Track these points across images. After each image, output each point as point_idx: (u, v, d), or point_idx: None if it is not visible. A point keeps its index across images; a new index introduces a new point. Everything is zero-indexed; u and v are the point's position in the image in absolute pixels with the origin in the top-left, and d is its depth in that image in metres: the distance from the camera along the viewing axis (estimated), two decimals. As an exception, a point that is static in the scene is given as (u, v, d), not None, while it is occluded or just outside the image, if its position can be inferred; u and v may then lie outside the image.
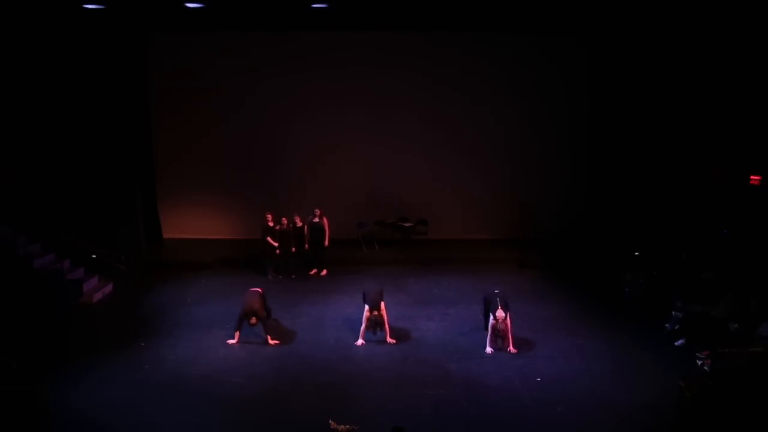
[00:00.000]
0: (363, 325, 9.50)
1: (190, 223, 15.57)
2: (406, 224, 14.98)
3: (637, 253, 12.63)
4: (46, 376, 8.08)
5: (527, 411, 7.62)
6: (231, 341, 9.50)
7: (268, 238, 12.76)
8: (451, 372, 8.63)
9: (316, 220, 13.08)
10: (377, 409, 7.53)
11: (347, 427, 6.90)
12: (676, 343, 9.48)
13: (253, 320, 9.53)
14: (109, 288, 12.11)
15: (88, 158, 13.84)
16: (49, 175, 13.45)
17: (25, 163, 13.20)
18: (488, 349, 9.28)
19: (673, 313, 9.83)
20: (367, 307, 9.47)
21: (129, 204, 13.76)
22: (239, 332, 9.51)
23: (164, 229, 15.54)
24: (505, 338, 9.29)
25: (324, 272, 13.27)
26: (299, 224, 13.02)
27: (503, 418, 7.47)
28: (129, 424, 7.27)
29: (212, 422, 7.33)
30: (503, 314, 9.16)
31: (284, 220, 12.85)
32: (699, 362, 8.74)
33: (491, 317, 9.25)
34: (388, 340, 9.60)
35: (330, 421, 7.03)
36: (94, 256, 12.69)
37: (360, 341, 9.52)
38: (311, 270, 13.29)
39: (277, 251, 12.79)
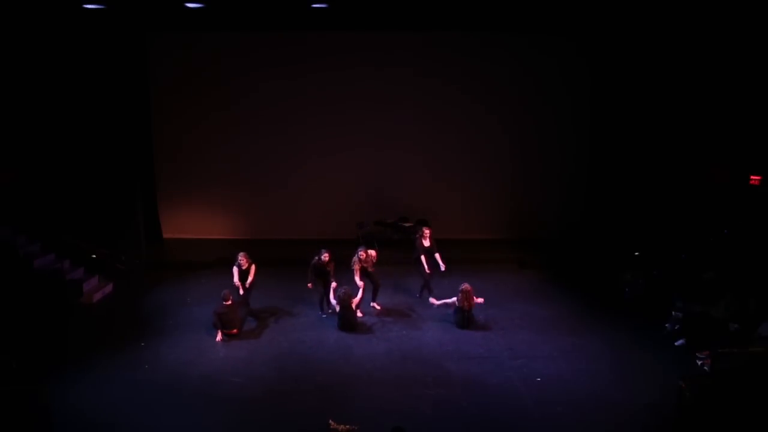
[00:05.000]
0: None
1: (190, 223, 15.56)
2: (406, 224, 14.96)
3: (637, 253, 12.64)
4: (46, 376, 8.08)
5: (527, 411, 7.62)
6: (218, 339, 9.65)
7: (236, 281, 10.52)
8: (451, 372, 8.63)
9: (427, 242, 11.19)
10: (377, 409, 7.53)
11: (347, 427, 6.90)
12: (676, 343, 9.48)
13: (234, 331, 9.77)
14: (109, 288, 12.11)
15: (88, 158, 13.86)
16: (49, 176, 13.45)
17: (25, 163, 13.20)
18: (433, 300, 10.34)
19: (673, 313, 9.83)
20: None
21: (129, 204, 13.75)
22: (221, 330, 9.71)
23: (164, 229, 15.53)
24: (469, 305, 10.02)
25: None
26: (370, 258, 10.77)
27: (503, 418, 7.47)
28: (129, 424, 7.28)
29: (212, 422, 7.33)
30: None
31: (326, 256, 10.58)
32: (699, 362, 8.75)
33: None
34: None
35: (330, 421, 7.03)
36: (94, 256, 12.68)
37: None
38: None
39: (309, 285, 10.72)
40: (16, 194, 12.68)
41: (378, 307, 11.01)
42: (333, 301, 10.25)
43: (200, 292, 11.95)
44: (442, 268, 10.77)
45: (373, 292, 11.02)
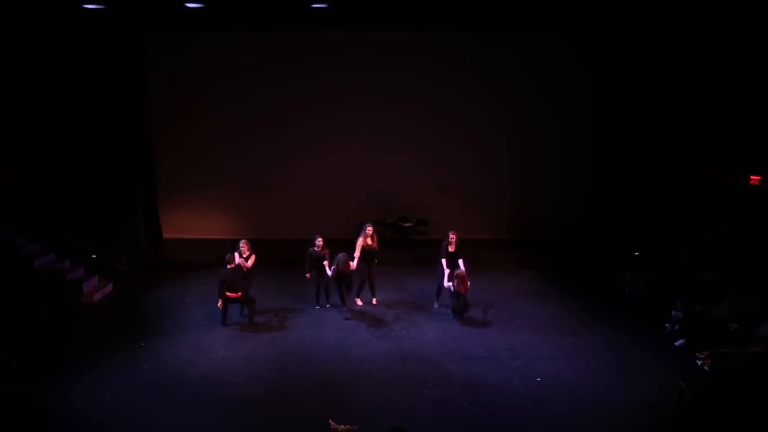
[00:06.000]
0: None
1: (190, 223, 15.57)
2: (406, 224, 14.97)
3: (637, 253, 12.64)
4: (46, 376, 8.08)
5: (527, 411, 7.61)
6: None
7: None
8: (451, 372, 8.63)
9: (452, 247, 10.85)
10: (377, 409, 7.53)
11: (347, 427, 6.89)
12: (676, 343, 9.48)
13: (239, 294, 10.02)
14: (109, 288, 12.10)
15: (89, 158, 13.86)
16: (49, 175, 13.45)
17: (25, 163, 13.20)
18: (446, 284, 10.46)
19: (673, 313, 9.82)
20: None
21: (129, 204, 13.76)
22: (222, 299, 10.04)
23: (164, 229, 15.54)
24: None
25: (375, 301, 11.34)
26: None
27: (503, 418, 7.47)
28: (129, 423, 7.27)
29: (212, 422, 7.32)
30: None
31: (320, 241, 10.88)
32: (699, 362, 8.74)
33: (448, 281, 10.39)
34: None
35: (330, 421, 7.03)
36: (94, 256, 12.69)
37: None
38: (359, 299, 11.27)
39: (308, 275, 10.94)
40: (15, 194, 12.68)
41: (375, 302, 11.26)
42: (329, 271, 10.61)
43: (200, 292, 11.94)
44: (461, 268, 10.42)
45: (370, 287, 11.23)
